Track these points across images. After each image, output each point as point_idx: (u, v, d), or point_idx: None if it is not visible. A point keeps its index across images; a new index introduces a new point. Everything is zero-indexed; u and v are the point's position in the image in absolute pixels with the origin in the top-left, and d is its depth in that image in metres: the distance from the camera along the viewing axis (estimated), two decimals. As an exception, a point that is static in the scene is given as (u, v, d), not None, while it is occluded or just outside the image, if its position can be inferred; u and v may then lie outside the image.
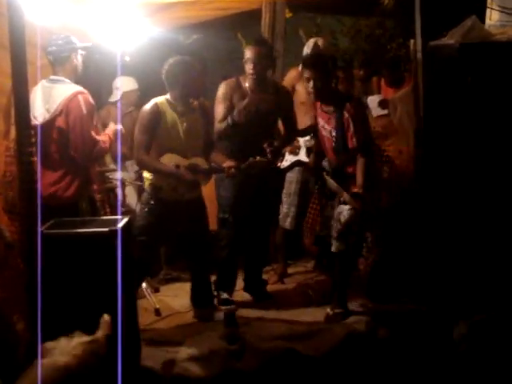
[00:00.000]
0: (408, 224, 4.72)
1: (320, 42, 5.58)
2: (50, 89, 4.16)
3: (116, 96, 5.75)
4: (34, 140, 3.49)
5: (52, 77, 4.21)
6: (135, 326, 3.80)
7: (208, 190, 5.16)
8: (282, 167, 5.48)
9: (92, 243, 3.36)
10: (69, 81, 4.21)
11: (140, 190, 5.17)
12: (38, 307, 3.04)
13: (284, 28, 6.59)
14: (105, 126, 4.79)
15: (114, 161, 5.34)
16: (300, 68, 5.42)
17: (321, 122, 4.62)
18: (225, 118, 4.68)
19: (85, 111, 4.12)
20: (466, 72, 4.27)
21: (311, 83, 4.46)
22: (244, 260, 5.12)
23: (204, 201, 4.70)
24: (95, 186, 4.57)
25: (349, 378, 3.88)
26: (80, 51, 4.27)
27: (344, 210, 4.45)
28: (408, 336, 4.12)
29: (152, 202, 4.43)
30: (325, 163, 4.73)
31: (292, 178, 5.42)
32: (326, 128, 4.56)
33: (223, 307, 4.55)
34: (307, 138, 5.24)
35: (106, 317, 1.41)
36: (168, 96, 4.48)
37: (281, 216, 5.44)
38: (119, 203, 4.96)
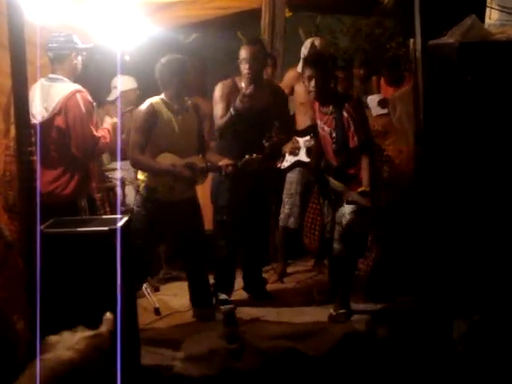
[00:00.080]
0: (407, 223, 4.71)
1: (317, 42, 5.59)
2: (48, 87, 4.16)
3: (114, 95, 5.75)
4: (33, 139, 3.49)
5: (51, 75, 4.21)
6: (135, 325, 3.80)
7: (204, 190, 5.17)
8: (282, 168, 5.49)
9: (92, 242, 3.36)
10: (67, 79, 4.21)
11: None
12: (37, 306, 3.04)
13: (284, 27, 6.61)
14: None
15: (114, 160, 5.33)
16: (299, 68, 5.42)
17: (320, 123, 4.60)
18: (225, 114, 4.67)
19: (84, 110, 4.13)
20: (466, 71, 4.27)
21: (313, 82, 4.43)
22: (243, 259, 5.13)
23: (198, 201, 4.71)
24: (94, 185, 4.57)
25: (349, 378, 3.88)
26: (81, 52, 4.27)
27: (346, 213, 4.44)
28: (408, 335, 4.12)
29: (148, 204, 4.43)
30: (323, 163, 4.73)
31: (292, 178, 5.43)
32: (326, 129, 4.55)
33: (222, 307, 4.55)
34: (307, 138, 5.24)
35: (109, 314, 1.41)
36: (163, 96, 4.48)
37: (282, 216, 5.45)
38: (119, 202, 4.96)
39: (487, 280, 4.20)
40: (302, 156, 5.35)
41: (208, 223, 5.09)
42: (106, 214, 4.87)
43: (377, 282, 4.87)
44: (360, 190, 4.36)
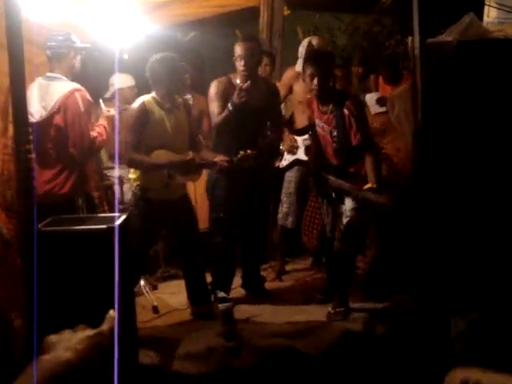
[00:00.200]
0: (406, 222, 4.71)
1: (315, 41, 5.59)
2: (46, 86, 4.16)
3: (111, 92, 5.75)
4: (31, 138, 3.49)
5: (48, 74, 4.21)
6: (133, 323, 3.81)
7: (200, 189, 5.18)
8: (280, 167, 5.49)
9: (90, 240, 3.36)
10: (65, 78, 4.21)
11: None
12: (34, 304, 3.04)
13: (282, 25, 6.61)
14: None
15: (112, 158, 5.33)
16: (298, 67, 5.42)
17: (319, 122, 4.57)
18: (222, 111, 4.67)
19: (82, 108, 4.13)
20: (464, 69, 4.27)
21: (315, 80, 4.39)
22: (241, 257, 5.13)
23: (190, 199, 4.74)
24: (92, 184, 4.57)
25: (347, 376, 3.88)
26: (79, 51, 4.27)
27: (347, 210, 4.44)
28: (406, 333, 4.12)
29: (140, 203, 4.44)
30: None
31: (291, 177, 5.43)
32: (326, 128, 4.51)
33: (220, 305, 4.55)
34: (305, 136, 5.24)
35: (112, 312, 1.41)
36: (154, 94, 4.48)
37: (280, 215, 5.45)
38: (117, 200, 4.95)
39: (485, 278, 4.21)
40: (301, 155, 5.36)
41: (204, 221, 5.10)
42: (104, 212, 4.87)
43: (375, 281, 4.87)
44: (367, 186, 4.29)
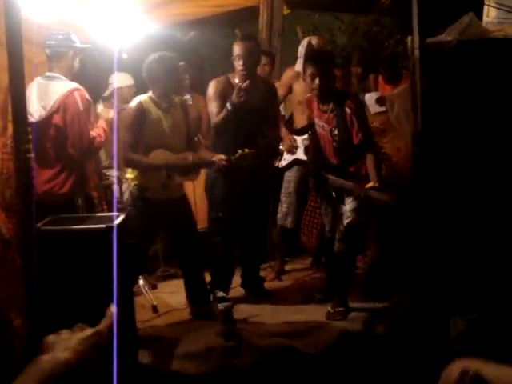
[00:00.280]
0: (406, 221, 4.72)
1: (314, 41, 5.58)
2: (45, 86, 4.15)
3: (109, 91, 5.75)
4: (30, 137, 3.49)
5: (48, 73, 4.21)
6: (133, 322, 3.81)
7: (198, 188, 5.17)
8: (280, 166, 5.49)
9: (89, 240, 3.36)
10: (64, 78, 4.21)
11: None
12: (34, 303, 3.04)
13: (282, 25, 6.60)
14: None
15: (110, 158, 5.33)
16: (297, 67, 5.42)
17: (319, 121, 4.56)
18: (221, 111, 4.67)
19: (81, 108, 4.13)
20: (464, 69, 4.27)
21: (317, 80, 4.39)
22: (241, 257, 5.13)
23: (188, 199, 4.73)
24: (92, 183, 4.56)
25: (346, 376, 3.88)
26: (79, 51, 4.27)
27: (347, 210, 4.43)
28: (405, 333, 4.12)
29: (138, 203, 4.44)
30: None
31: (291, 177, 5.42)
32: (326, 128, 4.51)
33: (220, 304, 4.54)
34: (305, 136, 5.24)
35: (112, 308, 1.41)
36: (151, 93, 4.48)
37: (280, 215, 5.45)
38: (115, 200, 4.95)
39: (485, 278, 4.21)
40: (300, 154, 5.35)
41: (203, 221, 5.10)
42: (103, 211, 4.87)
43: (375, 280, 4.87)
44: (370, 185, 4.28)
